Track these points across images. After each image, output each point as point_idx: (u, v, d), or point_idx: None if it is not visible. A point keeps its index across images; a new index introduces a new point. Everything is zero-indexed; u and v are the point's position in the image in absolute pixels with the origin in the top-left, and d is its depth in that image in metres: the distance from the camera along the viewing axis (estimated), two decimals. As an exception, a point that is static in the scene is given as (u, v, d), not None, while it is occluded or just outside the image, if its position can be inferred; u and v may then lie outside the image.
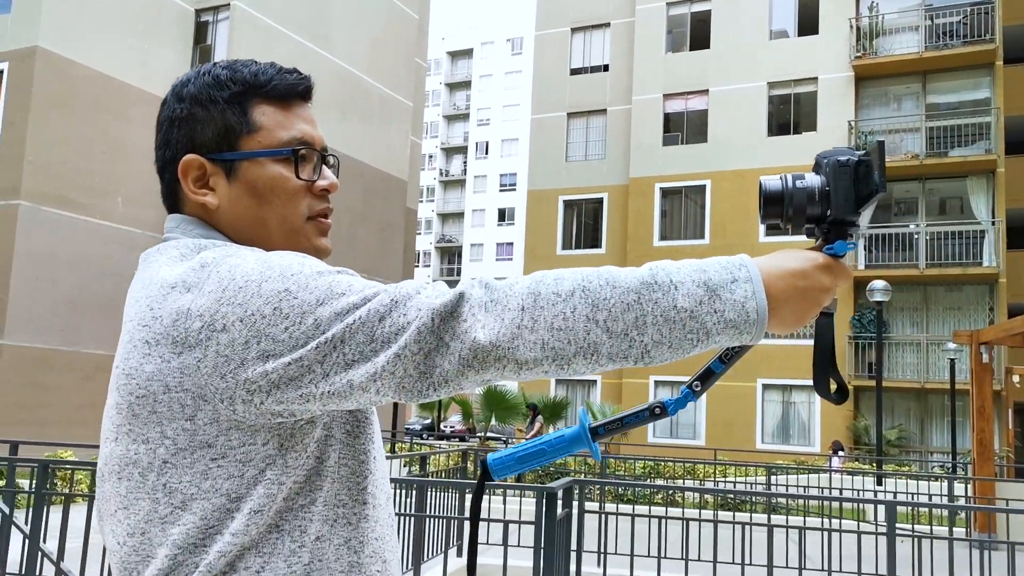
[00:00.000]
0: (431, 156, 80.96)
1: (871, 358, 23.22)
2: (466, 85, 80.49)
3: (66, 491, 6.62)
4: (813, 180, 1.06)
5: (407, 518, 6.64)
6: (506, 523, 4.77)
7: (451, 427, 45.67)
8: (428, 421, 43.34)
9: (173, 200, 1.16)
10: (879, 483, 14.33)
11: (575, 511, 5.26)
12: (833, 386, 1.13)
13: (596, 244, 29.31)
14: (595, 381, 28.89)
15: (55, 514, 5.93)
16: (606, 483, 5.90)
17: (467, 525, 8.08)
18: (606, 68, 29.97)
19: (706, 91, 27.52)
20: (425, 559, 7.04)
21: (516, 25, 75.71)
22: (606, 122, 29.64)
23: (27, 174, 18.21)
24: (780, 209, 1.06)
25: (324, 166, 1.19)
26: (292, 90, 1.16)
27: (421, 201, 79.21)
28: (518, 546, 6.50)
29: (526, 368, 0.93)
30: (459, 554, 8.40)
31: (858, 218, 1.05)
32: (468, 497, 8.96)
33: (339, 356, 0.93)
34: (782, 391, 25.15)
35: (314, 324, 0.93)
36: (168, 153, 1.15)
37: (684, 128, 28.05)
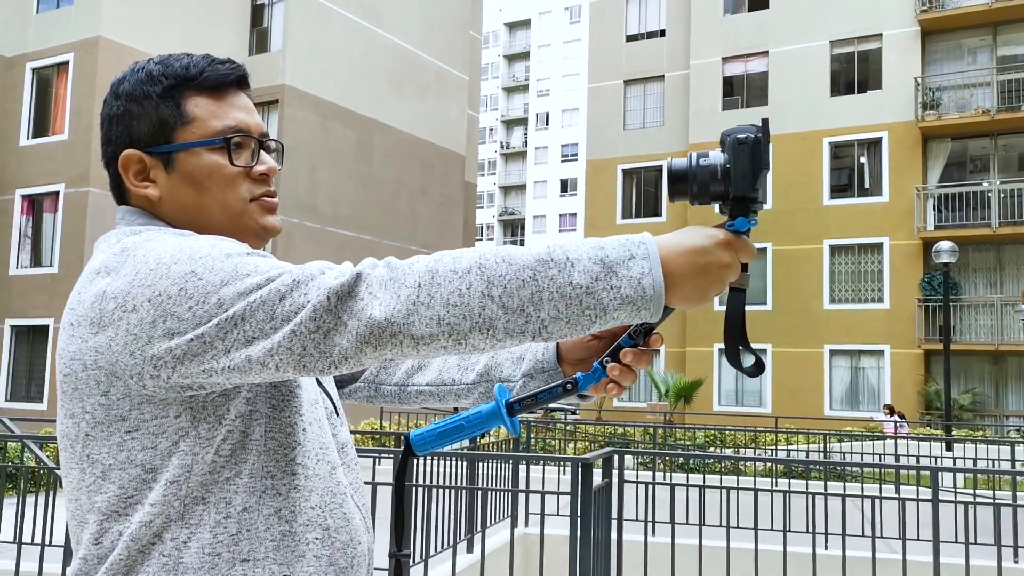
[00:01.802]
0: (491, 129, 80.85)
1: (942, 321, 22.61)
2: (524, 56, 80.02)
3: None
4: (716, 158, 1.06)
5: (460, 491, 6.73)
6: (543, 493, 4.82)
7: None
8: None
9: (120, 193, 1.20)
10: (948, 448, 14.01)
11: (615, 480, 5.29)
12: (751, 359, 1.14)
13: (656, 213, 29.01)
14: (658, 351, 28.66)
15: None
16: (644, 453, 5.91)
17: (521, 497, 8.19)
18: (663, 33, 29.48)
19: (766, 52, 26.88)
20: (478, 530, 7.15)
21: (573, -7, 74.80)
22: (663, 88, 29.21)
23: (95, 162, 18.80)
24: (685, 187, 1.07)
25: (263, 151, 1.22)
26: (223, 80, 1.19)
27: (482, 174, 79.35)
28: (558, 515, 6.58)
29: (423, 344, 0.95)
30: (514, 524, 8.52)
31: (757, 195, 1.05)
32: (523, 469, 9.07)
33: (240, 333, 0.97)
34: (850, 356, 24.66)
35: (217, 303, 0.97)
36: (110, 149, 1.19)
37: (744, 91, 27.47)
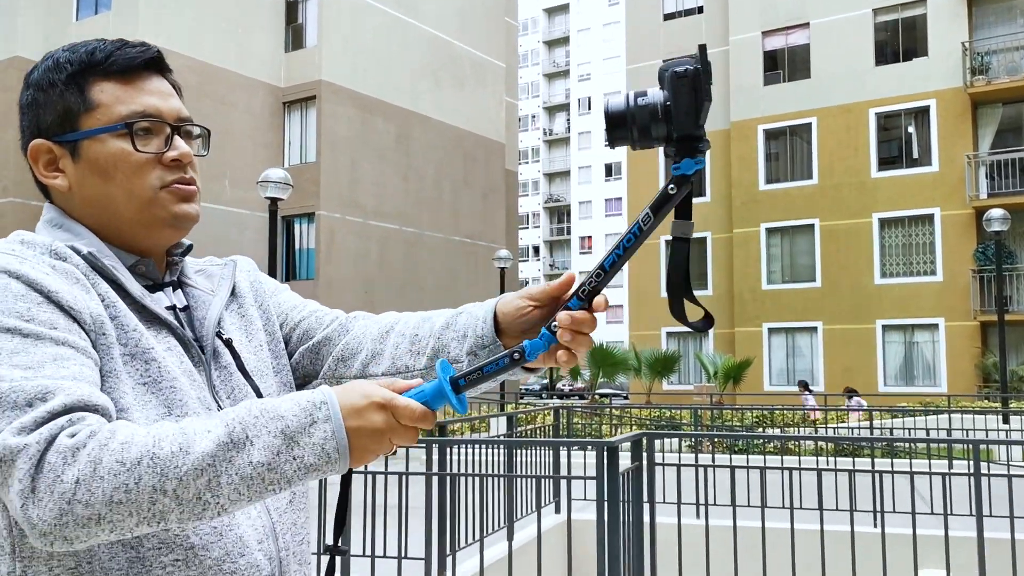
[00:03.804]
0: (533, 116, 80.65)
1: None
2: (564, 41, 79.61)
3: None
4: (655, 96, 0.99)
5: (498, 479, 6.67)
6: (569, 479, 4.78)
7: (570, 385, 45.92)
8: (545, 381, 43.88)
9: (43, 187, 1.17)
10: (1005, 421, 13.64)
11: (645, 463, 5.23)
12: (700, 314, 1.07)
13: (700, 192, 28.69)
14: (707, 332, 28.42)
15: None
16: (672, 435, 5.83)
17: (563, 484, 8.12)
18: (700, 10, 29.07)
19: (807, 24, 26.34)
20: (518, 517, 7.12)
21: (611, -26, 74.18)
22: (703, 66, 28.81)
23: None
24: (626, 131, 1.00)
25: (178, 136, 1.16)
26: (131, 63, 1.14)
27: (526, 162, 79.21)
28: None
29: (78, 541, 0.88)
30: (557, 510, 8.49)
31: (702, 132, 0.99)
32: (564, 455, 9.03)
33: None
34: (903, 331, 24.14)
35: None
36: (23, 140, 1.16)
37: (785, 65, 26.96)
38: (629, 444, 5.02)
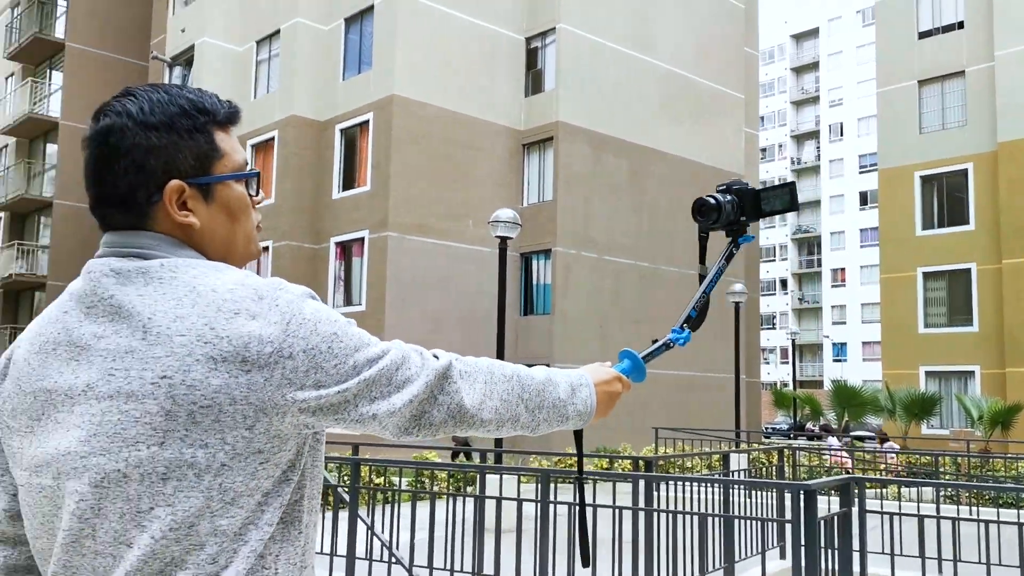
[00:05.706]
0: (780, 145, 78.04)
1: None
2: (813, 67, 76.59)
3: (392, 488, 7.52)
4: (729, 197, 1.66)
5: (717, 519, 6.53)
6: (761, 520, 4.66)
7: (819, 425, 43.38)
8: (792, 421, 42.00)
9: (134, 220, 1.23)
10: None
11: (855, 510, 4.96)
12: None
13: (963, 220, 26.46)
14: (973, 372, 26.03)
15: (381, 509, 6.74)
16: (880, 480, 5.46)
17: (787, 527, 7.82)
18: (960, 25, 27.01)
19: (1089, 31, 23.73)
20: (739, 559, 6.93)
21: (864, -6, 70.57)
22: (965, 85, 26.68)
23: (392, 207, 20.70)
24: (717, 214, 1.66)
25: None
26: (234, 118, 1.30)
27: (773, 193, 76.45)
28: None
29: (483, 427, 1.31)
30: (782, 556, 8.16)
31: (750, 222, 1.68)
32: (787, 498, 8.66)
33: (368, 392, 1.19)
34: None
35: (353, 366, 1.18)
36: (140, 178, 1.21)
37: (1063, 78, 24.40)
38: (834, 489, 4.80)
